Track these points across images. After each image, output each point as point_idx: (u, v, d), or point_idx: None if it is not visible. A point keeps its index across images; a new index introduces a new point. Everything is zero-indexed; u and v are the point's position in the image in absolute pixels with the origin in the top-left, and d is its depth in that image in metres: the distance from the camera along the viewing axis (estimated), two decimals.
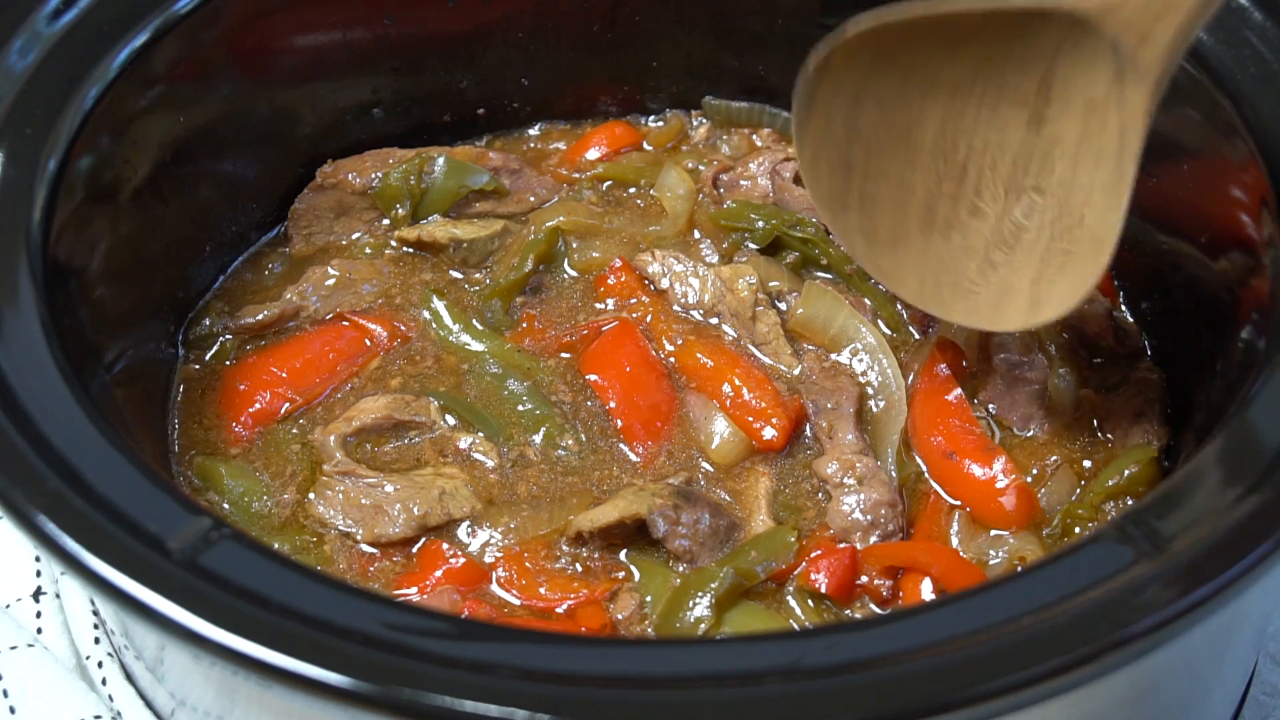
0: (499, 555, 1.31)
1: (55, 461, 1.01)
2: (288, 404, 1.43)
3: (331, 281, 1.52)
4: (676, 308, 1.48)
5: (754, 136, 1.68)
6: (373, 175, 1.57)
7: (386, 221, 1.58)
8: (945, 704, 0.88)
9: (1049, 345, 1.43)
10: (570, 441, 1.39)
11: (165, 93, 1.39)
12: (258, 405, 1.43)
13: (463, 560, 1.30)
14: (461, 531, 1.33)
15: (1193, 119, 1.30)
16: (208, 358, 1.48)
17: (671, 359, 1.45)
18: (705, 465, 1.36)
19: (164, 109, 1.41)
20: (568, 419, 1.41)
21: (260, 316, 1.49)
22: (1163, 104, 1.14)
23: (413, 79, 1.62)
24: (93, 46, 1.31)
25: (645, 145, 1.69)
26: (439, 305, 1.50)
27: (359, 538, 1.32)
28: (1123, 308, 1.51)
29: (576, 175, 1.64)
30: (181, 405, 1.44)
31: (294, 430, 1.41)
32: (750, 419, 1.38)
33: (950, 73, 0.80)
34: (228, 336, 1.49)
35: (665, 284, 1.49)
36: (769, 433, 1.37)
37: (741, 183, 1.60)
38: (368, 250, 1.57)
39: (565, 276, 1.55)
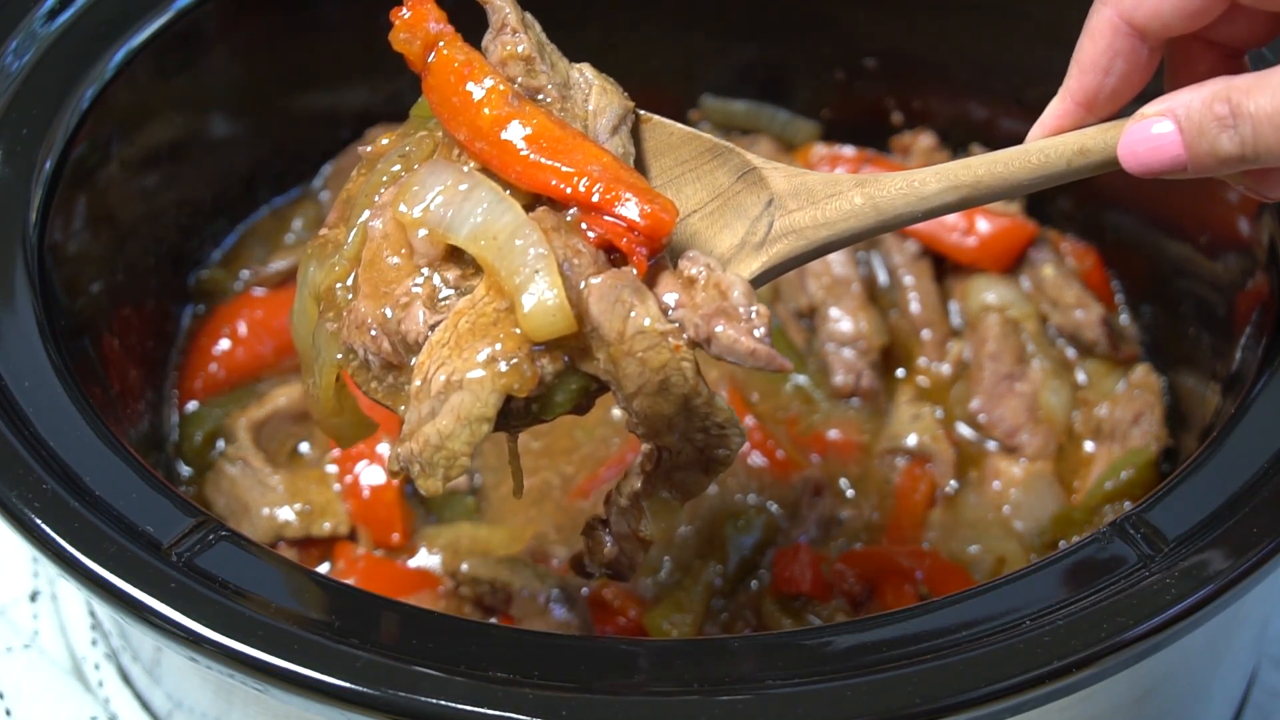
0: None
1: (51, 463, 1.01)
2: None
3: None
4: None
5: (756, 146, 1.65)
6: None
7: None
8: (944, 706, 0.88)
9: (1043, 357, 1.43)
10: None
11: (163, 93, 1.39)
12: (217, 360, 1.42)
13: None
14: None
15: None
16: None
17: None
18: None
19: (162, 109, 1.40)
20: None
21: (285, 264, 1.47)
22: None
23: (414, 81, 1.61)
24: (89, 46, 1.30)
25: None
26: None
27: None
28: (1121, 311, 1.51)
29: None
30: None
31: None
32: None
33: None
34: (238, 284, 1.49)
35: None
36: None
37: None
38: None
39: None
